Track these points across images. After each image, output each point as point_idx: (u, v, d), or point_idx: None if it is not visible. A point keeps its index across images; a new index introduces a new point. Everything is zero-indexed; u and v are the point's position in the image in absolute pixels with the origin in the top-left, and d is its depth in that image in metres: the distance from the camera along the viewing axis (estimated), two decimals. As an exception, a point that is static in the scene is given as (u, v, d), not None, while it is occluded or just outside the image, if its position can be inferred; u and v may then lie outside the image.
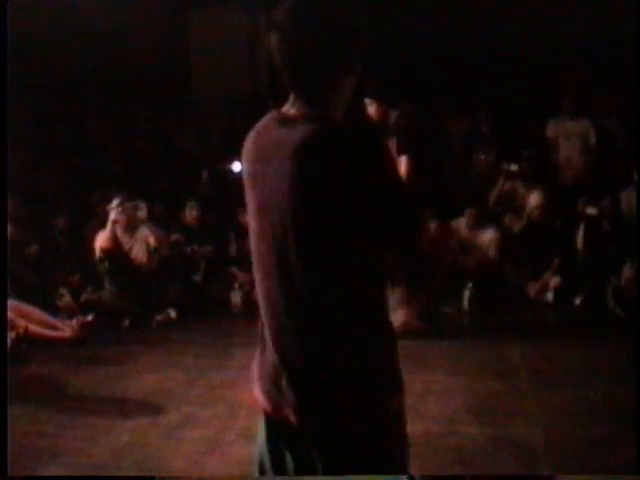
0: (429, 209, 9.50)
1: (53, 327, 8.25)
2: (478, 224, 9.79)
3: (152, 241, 9.48)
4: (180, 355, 7.82)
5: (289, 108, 2.71)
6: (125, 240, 9.39)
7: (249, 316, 8.49)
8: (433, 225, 9.72)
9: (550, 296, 9.25)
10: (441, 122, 11.90)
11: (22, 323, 7.87)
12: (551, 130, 11.31)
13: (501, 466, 5.03)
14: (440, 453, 5.30)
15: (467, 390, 6.37)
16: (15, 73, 11.71)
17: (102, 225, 9.30)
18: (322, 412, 2.67)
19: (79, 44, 12.55)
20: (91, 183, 11.37)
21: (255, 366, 2.88)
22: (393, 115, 7.66)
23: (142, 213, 9.69)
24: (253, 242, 2.85)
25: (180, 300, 9.32)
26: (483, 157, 11.47)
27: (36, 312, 8.28)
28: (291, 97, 2.72)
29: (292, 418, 2.71)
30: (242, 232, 9.63)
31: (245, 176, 2.78)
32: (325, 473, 2.68)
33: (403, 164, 7.57)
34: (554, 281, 9.30)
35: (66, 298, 9.02)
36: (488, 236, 9.74)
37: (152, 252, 9.47)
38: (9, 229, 9.35)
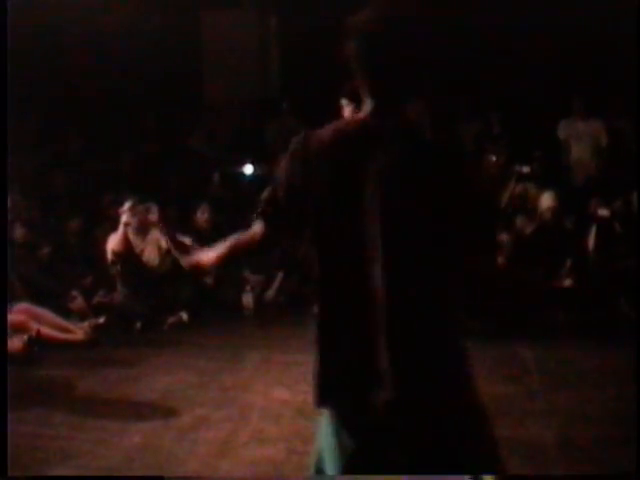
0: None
1: (65, 329, 8.27)
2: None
3: (164, 244, 9.50)
4: (192, 357, 7.83)
5: (372, 114, 2.74)
6: (137, 243, 9.41)
7: (260, 318, 8.54)
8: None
9: (562, 298, 9.22)
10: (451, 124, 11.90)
11: (34, 326, 7.88)
12: (562, 131, 11.31)
13: (513, 467, 5.02)
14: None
15: (479, 392, 6.36)
16: (26, 77, 11.79)
17: (114, 228, 9.31)
18: (418, 408, 2.72)
19: (90, 47, 12.58)
20: (103, 186, 11.39)
21: (320, 364, 2.78)
22: None
23: (154, 216, 9.71)
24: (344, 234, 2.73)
25: (192, 302, 9.33)
26: (494, 159, 11.45)
27: (48, 314, 8.30)
28: (369, 104, 2.74)
29: (383, 411, 2.69)
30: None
31: (326, 176, 2.72)
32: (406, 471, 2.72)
33: None
34: (566, 283, 9.27)
35: (78, 300, 9.05)
36: (500, 239, 9.71)
37: (164, 255, 9.49)
38: (21, 231, 9.42)
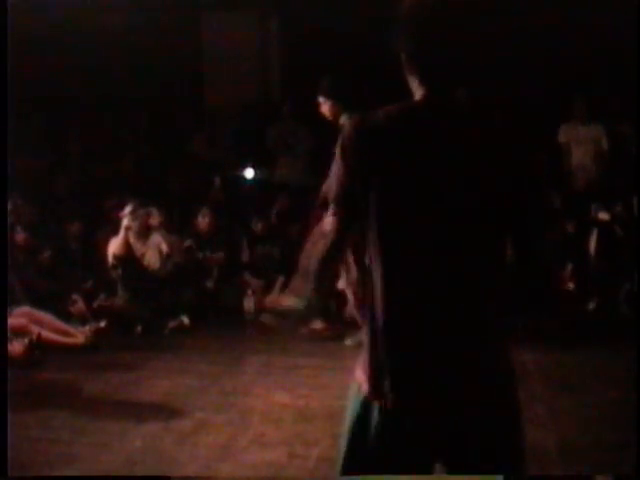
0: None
1: (66, 333, 8.27)
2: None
3: (165, 247, 9.51)
4: (193, 361, 7.84)
5: (427, 100, 2.75)
6: (138, 246, 9.42)
7: (261, 322, 8.53)
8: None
9: (563, 302, 9.23)
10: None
11: (35, 329, 7.89)
12: (563, 135, 11.31)
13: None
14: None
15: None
16: (27, 81, 11.80)
17: (115, 231, 9.32)
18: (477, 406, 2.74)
19: (90, 50, 12.59)
20: (104, 189, 11.41)
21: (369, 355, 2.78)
22: (344, 117, 7.71)
23: (155, 219, 9.72)
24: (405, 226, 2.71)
25: (193, 306, 9.33)
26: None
27: (49, 318, 8.31)
28: (420, 91, 2.76)
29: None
30: (254, 238, 9.67)
31: (390, 161, 2.67)
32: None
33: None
34: (567, 287, 9.28)
35: (79, 304, 9.05)
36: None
37: (165, 258, 9.50)
38: (22, 235, 9.41)
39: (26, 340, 7.68)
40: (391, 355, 2.68)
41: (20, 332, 7.82)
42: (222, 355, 7.98)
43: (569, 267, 9.33)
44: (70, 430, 6.03)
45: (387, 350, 2.68)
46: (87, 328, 8.47)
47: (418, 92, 2.76)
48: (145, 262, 9.46)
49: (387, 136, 2.67)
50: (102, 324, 8.71)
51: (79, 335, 8.30)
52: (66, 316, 8.73)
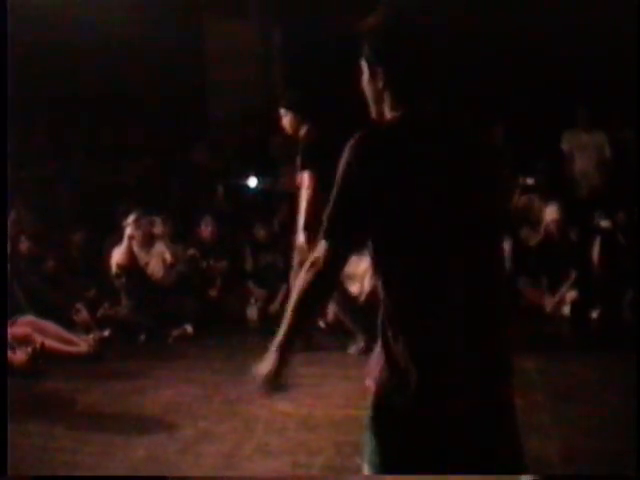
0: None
1: (70, 342, 8.27)
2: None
3: (168, 257, 9.52)
4: (196, 370, 7.83)
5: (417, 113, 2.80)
6: (141, 256, 9.43)
7: (265, 331, 8.53)
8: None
9: (567, 310, 9.22)
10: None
11: (39, 338, 7.89)
12: (566, 143, 11.32)
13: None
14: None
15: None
16: (30, 91, 11.82)
17: (119, 241, 9.32)
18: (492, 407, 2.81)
19: (93, 60, 12.61)
20: (107, 199, 11.42)
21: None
22: (304, 129, 7.73)
23: (158, 229, 9.73)
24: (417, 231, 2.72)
25: (196, 315, 9.32)
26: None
27: (53, 327, 8.31)
28: (395, 104, 2.81)
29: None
30: (258, 247, 9.68)
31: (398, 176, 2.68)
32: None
33: (304, 179, 7.63)
34: (571, 295, 9.27)
35: (83, 313, 9.05)
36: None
37: (168, 267, 9.51)
38: (26, 245, 9.41)
39: (30, 349, 7.68)
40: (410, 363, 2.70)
41: (24, 341, 7.83)
42: (225, 364, 7.97)
43: (573, 275, 9.33)
44: (73, 439, 6.02)
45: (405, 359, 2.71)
46: (91, 337, 8.47)
47: (398, 105, 2.80)
48: (149, 271, 9.47)
49: (391, 151, 2.69)
50: (106, 333, 8.73)
51: (83, 344, 8.30)
52: (70, 325, 8.73)
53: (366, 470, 2.83)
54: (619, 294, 8.94)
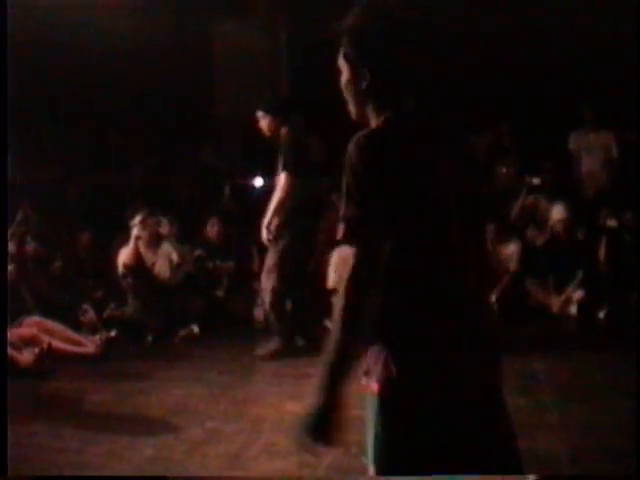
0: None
1: (77, 343, 8.28)
2: (501, 238, 9.76)
3: (175, 257, 9.52)
4: (203, 370, 7.83)
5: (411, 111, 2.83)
6: (148, 256, 9.43)
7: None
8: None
9: (574, 309, 9.21)
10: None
11: (46, 339, 7.89)
12: (573, 143, 11.31)
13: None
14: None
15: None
16: (37, 91, 11.84)
17: (125, 241, 9.33)
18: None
19: (100, 61, 12.62)
20: (114, 199, 11.42)
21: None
22: (283, 130, 7.80)
23: (165, 229, 9.73)
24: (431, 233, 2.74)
25: (203, 315, 9.33)
26: (505, 170, 11.46)
27: (60, 328, 8.31)
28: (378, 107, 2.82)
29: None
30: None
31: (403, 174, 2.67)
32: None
33: (281, 180, 7.73)
34: (578, 294, 9.26)
35: (90, 314, 9.06)
36: (511, 250, 9.70)
37: (175, 268, 9.51)
38: (33, 245, 9.42)
39: (37, 350, 7.68)
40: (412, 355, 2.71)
41: (31, 342, 7.84)
42: (232, 364, 7.97)
43: (579, 275, 9.32)
44: (80, 439, 6.02)
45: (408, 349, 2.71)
46: (97, 337, 8.49)
47: (384, 106, 2.80)
48: (155, 271, 9.47)
49: (394, 149, 2.69)
50: (112, 333, 8.74)
51: (89, 344, 8.31)
52: (77, 326, 8.74)
53: (372, 471, 2.82)
54: (626, 293, 8.93)
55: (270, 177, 12.19)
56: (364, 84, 2.80)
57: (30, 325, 8.10)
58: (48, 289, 9.24)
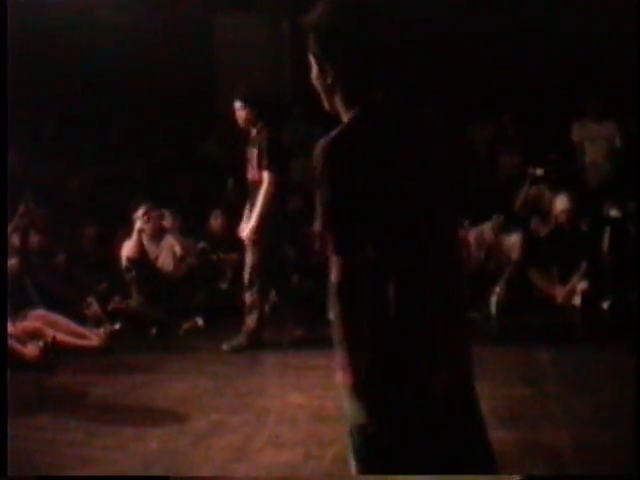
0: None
1: (81, 336, 8.28)
2: (504, 229, 9.76)
3: (178, 249, 9.53)
4: (208, 362, 7.83)
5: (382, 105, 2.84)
6: (151, 249, 9.43)
7: (276, 323, 8.55)
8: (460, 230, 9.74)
9: (578, 300, 9.20)
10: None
11: (50, 332, 7.89)
12: (576, 133, 11.29)
13: (528, 470, 5.01)
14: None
15: (495, 395, 6.34)
16: (41, 85, 11.84)
17: (129, 234, 9.32)
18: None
19: (102, 52, 12.61)
20: (118, 192, 11.41)
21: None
22: (258, 125, 7.83)
23: (168, 222, 9.73)
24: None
25: (207, 308, 9.33)
26: (508, 161, 11.45)
27: (64, 321, 8.31)
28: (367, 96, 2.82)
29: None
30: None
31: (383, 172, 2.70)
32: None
33: (265, 179, 7.76)
34: (581, 285, 9.25)
35: (94, 307, 9.05)
36: (513, 240, 9.69)
37: (178, 260, 9.51)
38: (36, 239, 9.42)
39: (41, 343, 7.69)
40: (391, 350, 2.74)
41: (35, 335, 7.84)
42: (236, 356, 7.97)
43: (583, 266, 9.31)
44: (85, 432, 6.04)
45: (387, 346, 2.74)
46: (102, 330, 8.49)
47: (351, 100, 2.81)
48: (159, 264, 9.47)
49: (360, 153, 2.68)
50: (116, 326, 8.73)
51: (94, 337, 8.31)
52: (81, 319, 8.74)
53: (352, 463, 2.84)
54: (630, 284, 8.92)
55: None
56: (329, 79, 2.83)
57: (34, 318, 8.11)
58: (52, 282, 9.23)
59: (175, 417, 6.32)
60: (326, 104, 2.93)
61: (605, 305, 8.97)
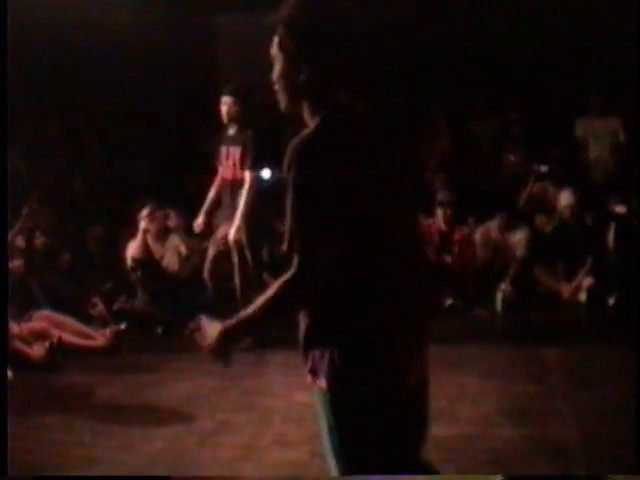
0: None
1: (87, 336, 8.28)
2: (509, 226, 9.76)
3: (183, 249, 9.53)
4: (213, 362, 7.81)
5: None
6: (156, 249, 9.43)
7: (282, 322, 8.54)
8: (465, 228, 9.74)
9: (583, 297, 9.19)
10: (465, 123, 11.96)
11: (56, 333, 7.90)
12: (580, 129, 11.28)
13: (536, 467, 5.01)
14: (475, 455, 5.28)
15: (501, 392, 6.34)
16: (44, 85, 11.83)
17: (134, 234, 9.33)
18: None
19: (105, 52, 12.61)
20: (122, 193, 11.42)
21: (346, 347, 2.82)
22: (249, 131, 7.84)
23: (172, 222, 9.73)
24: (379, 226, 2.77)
25: (212, 307, 9.32)
26: (513, 158, 11.43)
27: (69, 321, 8.32)
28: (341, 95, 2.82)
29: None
30: (273, 238, 9.67)
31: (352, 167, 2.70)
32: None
33: (247, 178, 7.78)
34: (587, 282, 9.24)
35: (99, 307, 9.06)
36: (518, 237, 9.69)
37: (183, 260, 9.51)
38: (41, 239, 9.43)
39: (47, 344, 7.70)
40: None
41: (41, 336, 7.84)
42: (242, 355, 7.92)
43: (589, 262, 9.31)
44: (91, 432, 6.03)
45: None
46: (107, 331, 8.48)
47: (322, 100, 2.78)
48: (164, 264, 9.48)
49: (329, 156, 2.67)
50: (122, 326, 8.72)
51: (99, 338, 8.32)
52: (86, 319, 8.74)
53: (332, 463, 2.86)
54: (635, 279, 8.90)
55: (276, 169, 12.23)
56: (301, 78, 2.76)
57: (40, 319, 8.11)
58: (57, 283, 9.24)
59: (181, 417, 6.32)
60: (286, 104, 2.87)
61: (611, 301, 8.96)
